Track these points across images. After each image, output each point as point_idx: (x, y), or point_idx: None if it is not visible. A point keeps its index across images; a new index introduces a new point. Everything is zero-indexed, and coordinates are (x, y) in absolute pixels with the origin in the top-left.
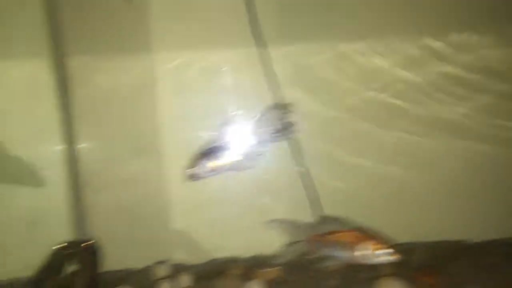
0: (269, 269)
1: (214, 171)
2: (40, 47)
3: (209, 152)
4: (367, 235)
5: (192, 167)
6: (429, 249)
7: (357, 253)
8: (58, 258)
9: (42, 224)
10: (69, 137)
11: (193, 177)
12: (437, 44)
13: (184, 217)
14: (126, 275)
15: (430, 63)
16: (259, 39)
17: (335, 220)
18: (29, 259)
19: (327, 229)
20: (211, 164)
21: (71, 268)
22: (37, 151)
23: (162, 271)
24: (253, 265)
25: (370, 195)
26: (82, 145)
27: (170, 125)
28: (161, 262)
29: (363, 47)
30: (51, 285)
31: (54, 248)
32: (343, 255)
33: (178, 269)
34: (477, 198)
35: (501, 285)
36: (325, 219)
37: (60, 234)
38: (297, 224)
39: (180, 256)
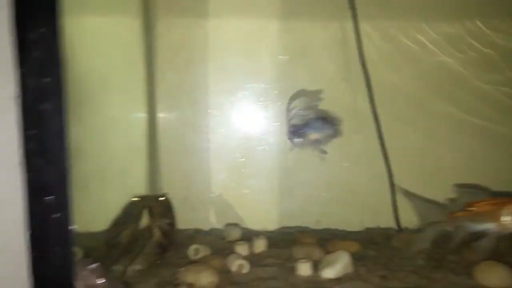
0: (348, 242)
1: (316, 141)
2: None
3: (310, 123)
4: (507, 199)
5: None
6: None
7: (504, 220)
8: (135, 209)
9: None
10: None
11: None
12: None
13: (256, 185)
14: (196, 234)
15: None
16: None
17: (471, 189)
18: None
19: (462, 201)
20: (313, 135)
21: (147, 220)
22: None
23: (235, 234)
24: (326, 237)
25: None
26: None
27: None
28: (232, 225)
29: None
30: (127, 234)
31: (132, 199)
32: (489, 226)
33: (249, 234)
34: None
35: None
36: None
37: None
38: (431, 203)
39: (248, 222)
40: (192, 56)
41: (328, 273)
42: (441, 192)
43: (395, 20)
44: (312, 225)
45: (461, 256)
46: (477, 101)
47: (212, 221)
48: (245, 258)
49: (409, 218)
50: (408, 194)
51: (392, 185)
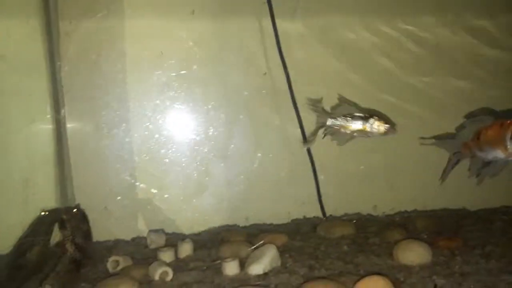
0: (275, 235)
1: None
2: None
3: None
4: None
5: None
6: (432, 217)
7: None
8: (44, 224)
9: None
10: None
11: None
12: None
13: (179, 188)
14: (116, 245)
15: None
16: None
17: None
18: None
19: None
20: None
21: (59, 234)
22: None
23: (159, 241)
24: (254, 233)
25: None
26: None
27: None
28: (156, 232)
29: None
30: (35, 252)
31: (41, 213)
32: (497, 154)
33: (174, 239)
34: None
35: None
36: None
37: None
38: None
39: (174, 225)
40: (104, 57)
41: (255, 269)
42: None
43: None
44: (241, 223)
45: (381, 237)
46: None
47: (134, 229)
48: (169, 264)
49: (334, 205)
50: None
51: (315, 174)
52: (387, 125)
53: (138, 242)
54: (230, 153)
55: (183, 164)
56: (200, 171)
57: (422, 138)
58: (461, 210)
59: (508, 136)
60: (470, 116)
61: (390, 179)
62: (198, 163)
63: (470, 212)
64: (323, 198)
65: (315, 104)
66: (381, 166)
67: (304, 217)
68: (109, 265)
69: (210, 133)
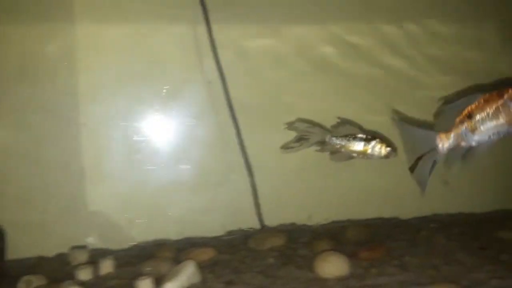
0: (202, 249)
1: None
2: None
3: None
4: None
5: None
6: (364, 226)
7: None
8: None
9: None
10: None
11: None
12: None
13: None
14: (37, 263)
15: None
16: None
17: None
18: None
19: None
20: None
21: None
22: None
23: (81, 257)
24: (184, 248)
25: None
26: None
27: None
28: (78, 248)
29: None
30: None
31: None
32: (496, 129)
33: (97, 255)
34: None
35: (435, 255)
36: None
37: None
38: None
39: (98, 241)
40: (47, 66)
41: (170, 286)
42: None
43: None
44: (174, 236)
45: (310, 249)
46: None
47: (56, 245)
48: (84, 283)
49: (271, 215)
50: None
51: (253, 184)
52: (389, 148)
53: (63, 259)
54: (162, 163)
55: (112, 175)
56: (131, 182)
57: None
58: (394, 219)
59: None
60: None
61: (324, 188)
62: (128, 173)
63: (402, 221)
64: (260, 208)
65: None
66: (317, 175)
67: (239, 228)
68: (22, 285)
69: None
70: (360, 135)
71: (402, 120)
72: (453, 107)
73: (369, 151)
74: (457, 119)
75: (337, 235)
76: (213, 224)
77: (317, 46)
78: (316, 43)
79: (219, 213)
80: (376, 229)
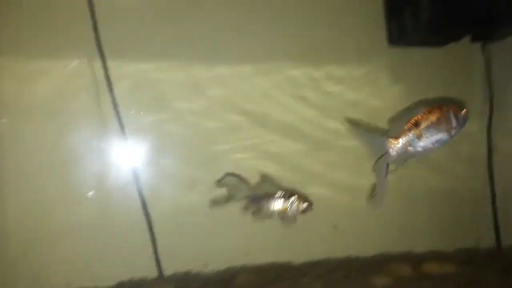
0: None
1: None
2: None
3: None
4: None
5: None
6: (257, 272)
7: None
8: None
9: None
10: None
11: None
12: None
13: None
14: None
15: None
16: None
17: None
18: None
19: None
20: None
21: None
22: None
23: None
24: None
25: None
26: None
27: None
28: None
29: None
30: None
31: None
32: (438, 137)
33: None
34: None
35: None
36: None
37: None
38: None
39: None
40: None
41: None
42: None
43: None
44: None
45: None
46: None
47: None
48: None
49: (172, 261)
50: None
51: (151, 231)
52: (306, 203)
53: None
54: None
55: None
56: None
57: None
58: (287, 264)
59: (452, 115)
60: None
61: (222, 233)
62: None
63: (293, 266)
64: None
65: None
66: (211, 220)
67: (131, 279)
68: None
69: None
70: (278, 193)
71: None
72: (401, 116)
73: (288, 209)
74: (405, 127)
75: (227, 282)
76: (105, 273)
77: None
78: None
79: (111, 261)
80: (266, 274)
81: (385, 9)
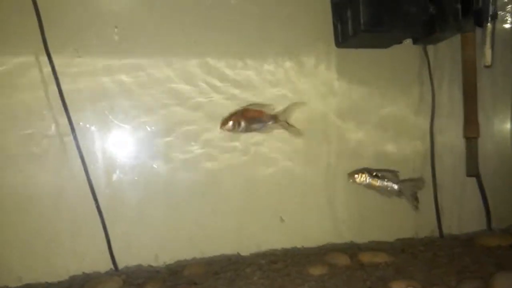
0: None
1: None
2: None
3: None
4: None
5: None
6: (205, 263)
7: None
8: None
9: None
10: None
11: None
12: None
13: None
14: None
15: None
16: None
17: None
18: None
19: None
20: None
21: None
22: None
23: None
24: None
25: None
26: None
27: None
28: None
29: None
30: None
31: None
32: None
33: None
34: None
35: None
36: None
37: None
38: None
39: None
40: None
41: None
42: None
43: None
44: (13, 283)
45: None
46: None
47: None
48: None
49: (126, 256)
50: None
51: (104, 225)
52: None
53: None
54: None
55: None
56: None
57: None
58: (235, 255)
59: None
60: None
61: (171, 226)
62: None
63: (242, 257)
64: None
65: None
66: (163, 213)
67: (83, 273)
68: None
69: None
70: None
71: None
72: None
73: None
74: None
75: (175, 274)
76: (56, 268)
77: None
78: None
79: (63, 255)
80: (214, 266)
81: (332, 13)
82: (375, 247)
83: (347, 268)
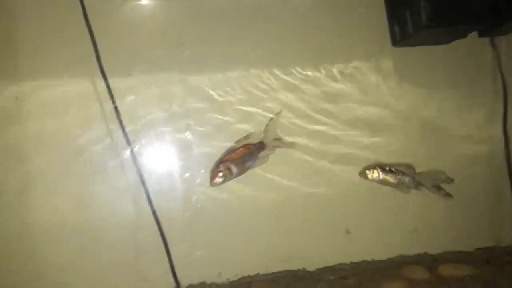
0: None
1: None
2: None
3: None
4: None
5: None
6: (270, 280)
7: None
8: None
9: None
10: None
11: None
12: None
13: None
14: None
15: None
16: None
17: None
18: None
19: None
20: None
21: None
22: None
23: None
24: None
25: None
26: None
27: None
28: None
29: None
30: None
31: None
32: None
33: None
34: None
35: None
36: None
37: None
38: None
39: None
40: None
41: None
42: None
43: None
44: None
45: None
46: None
47: None
48: None
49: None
50: None
51: (166, 245)
52: None
53: None
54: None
55: None
56: None
57: None
58: (300, 270)
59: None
60: None
61: (235, 243)
62: None
63: (307, 272)
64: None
65: None
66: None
67: None
68: None
69: None
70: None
71: None
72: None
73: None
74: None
75: None
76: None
77: None
78: None
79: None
80: (280, 282)
81: (386, 11)
82: (453, 258)
83: (428, 283)
